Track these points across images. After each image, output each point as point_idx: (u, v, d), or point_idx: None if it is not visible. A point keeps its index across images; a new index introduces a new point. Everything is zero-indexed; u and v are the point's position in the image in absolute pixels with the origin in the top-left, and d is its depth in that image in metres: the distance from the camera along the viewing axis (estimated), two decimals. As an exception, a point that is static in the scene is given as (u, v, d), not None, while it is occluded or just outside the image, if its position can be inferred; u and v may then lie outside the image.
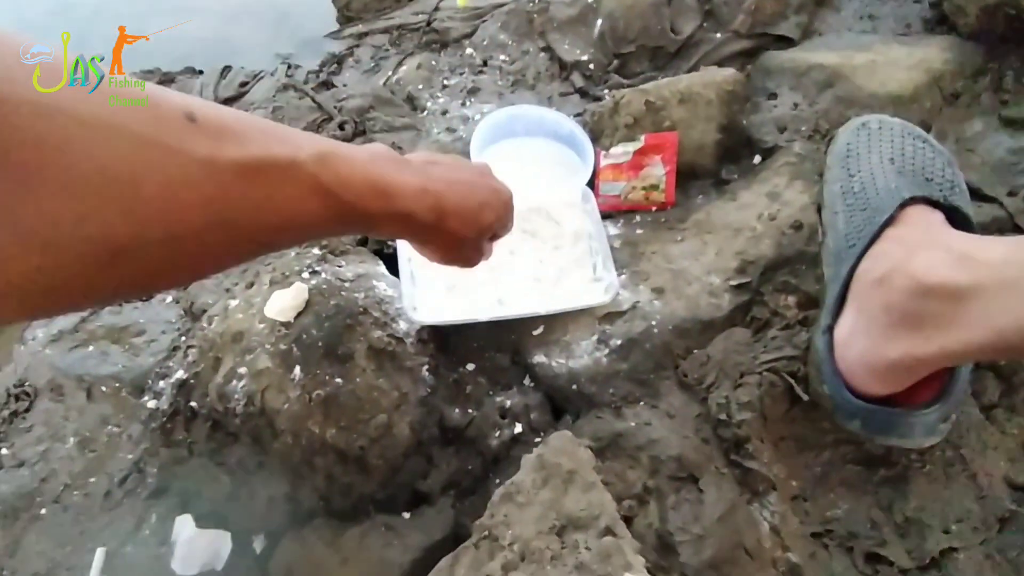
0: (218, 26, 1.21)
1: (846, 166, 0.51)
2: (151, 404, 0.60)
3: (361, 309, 0.55)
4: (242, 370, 0.54)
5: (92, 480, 0.58)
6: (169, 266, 0.26)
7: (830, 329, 0.46)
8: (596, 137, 0.71)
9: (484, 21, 0.94)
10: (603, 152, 0.68)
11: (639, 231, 0.65)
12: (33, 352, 0.67)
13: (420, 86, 0.88)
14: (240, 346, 0.55)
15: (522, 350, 0.58)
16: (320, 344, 0.53)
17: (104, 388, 0.64)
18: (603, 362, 0.55)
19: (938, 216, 0.46)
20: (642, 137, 0.66)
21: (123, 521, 0.55)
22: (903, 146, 0.50)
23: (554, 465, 0.44)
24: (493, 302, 0.59)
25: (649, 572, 0.39)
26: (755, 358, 0.51)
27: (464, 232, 0.40)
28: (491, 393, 0.57)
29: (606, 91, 0.79)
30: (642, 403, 0.53)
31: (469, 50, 0.91)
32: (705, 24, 0.80)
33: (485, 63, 0.89)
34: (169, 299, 0.70)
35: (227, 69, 1.00)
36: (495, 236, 0.46)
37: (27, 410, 0.64)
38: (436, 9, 1.00)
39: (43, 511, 0.57)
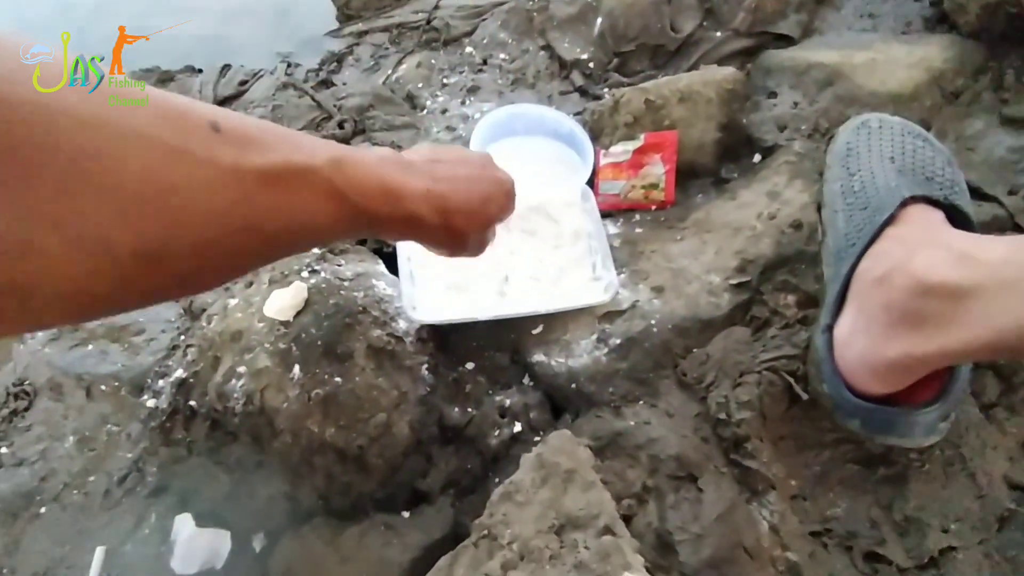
0: (217, 24, 1.21)
1: (846, 165, 0.51)
2: (150, 403, 0.60)
3: (360, 308, 0.55)
4: (241, 369, 0.54)
5: (91, 479, 0.58)
6: (199, 270, 0.28)
7: (830, 328, 0.46)
8: (596, 136, 0.71)
9: (484, 19, 0.94)
10: (603, 151, 0.68)
11: (639, 230, 0.65)
12: (32, 351, 0.67)
13: (420, 85, 0.87)
14: (239, 345, 0.55)
15: (522, 349, 0.58)
16: (319, 343, 0.53)
17: (103, 387, 0.64)
18: (602, 361, 0.55)
19: (938, 215, 0.46)
20: (642, 136, 0.66)
21: (123, 520, 0.55)
22: (903, 145, 0.50)
23: (553, 464, 0.44)
24: (492, 301, 0.59)
25: (648, 571, 0.39)
26: (755, 357, 0.51)
27: (469, 228, 0.41)
28: (490, 392, 0.57)
29: (606, 90, 0.79)
30: (641, 402, 0.53)
31: (469, 48, 0.91)
32: (705, 23, 0.80)
33: (485, 61, 0.89)
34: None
35: (226, 68, 1.00)
36: (498, 220, 0.47)
37: (26, 409, 0.64)
38: (436, 7, 0.99)
39: (43, 510, 0.57)
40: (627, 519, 0.46)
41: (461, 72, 0.88)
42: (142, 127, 0.24)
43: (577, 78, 0.83)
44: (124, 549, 0.54)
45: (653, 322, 0.56)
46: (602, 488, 0.43)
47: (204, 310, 0.61)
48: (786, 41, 0.77)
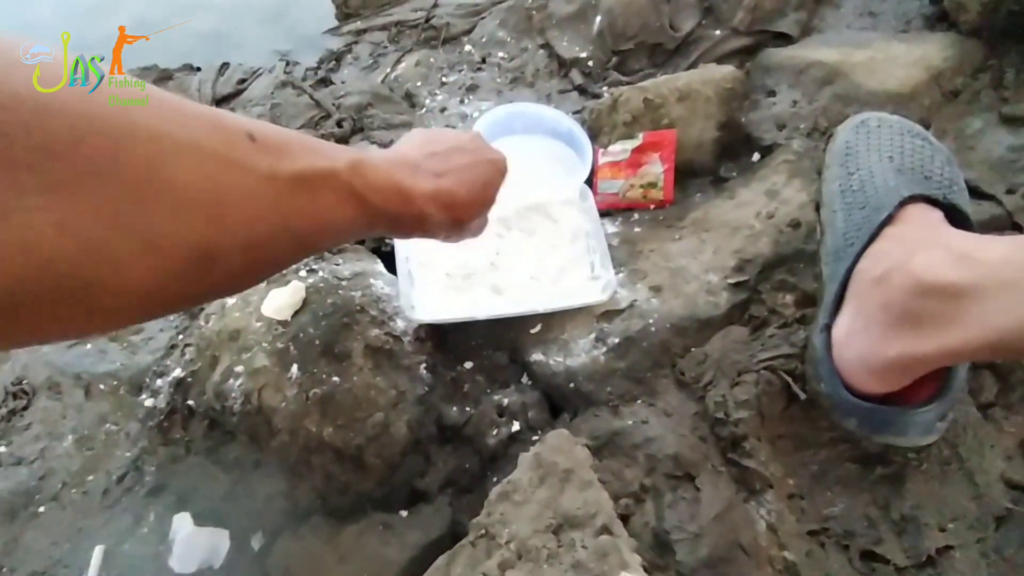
0: (216, 23, 1.21)
1: (845, 164, 0.51)
2: (149, 402, 0.60)
3: (358, 307, 0.55)
4: (239, 368, 0.54)
5: (90, 478, 0.58)
6: (244, 271, 0.30)
7: (828, 328, 0.46)
8: (595, 135, 0.71)
9: (483, 18, 0.94)
10: (601, 150, 0.67)
11: (637, 229, 0.65)
12: (31, 349, 0.67)
13: (418, 83, 0.87)
14: (237, 344, 0.55)
15: (520, 348, 0.58)
16: (317, 342, 0.53)
17: (102, 386, 0.64)
18: (601, 360, 0.55)
19: (937, 214, 0.46)
20: (641, 135, 0.66)
21: (121, 519, 0.55)
22: (902, 144, 0.50)
23: (551, 463, 0.44)
24: (491, 300, 0.59)
25: (645, 570, 0.39)
26: (753, 356, 0.51)
27: (473, 215, 0.44)
28: (489, 391, 0.57)
29: (605, 88, 0.79)
30: (639, 401, 0.53)
31: (468, 47, 0.91)
32: (704, 21, 0.80)
33: (484, 60, 0.89)
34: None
35: (225, 66, 1.00)
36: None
37: (25, 408, 0.64)
38: (435, 6, 0.99)
39: (41, 509, 0.57)
40: (625, 518, 0.46)
41: (460, 71, 0.88)
42: (197, 139, 0.26)
43: (576, 77, 0.83)
44: (123, 548, 0.54)
45: (651, 321, 0.56)
46: (600, 487, 0.43)
47: (202, 309, 0.61)
48: (785, 40, 0.76)
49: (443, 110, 0.82)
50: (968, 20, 0.67)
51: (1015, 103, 0.61)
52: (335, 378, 0.52)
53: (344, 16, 1.09)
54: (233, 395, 0.53)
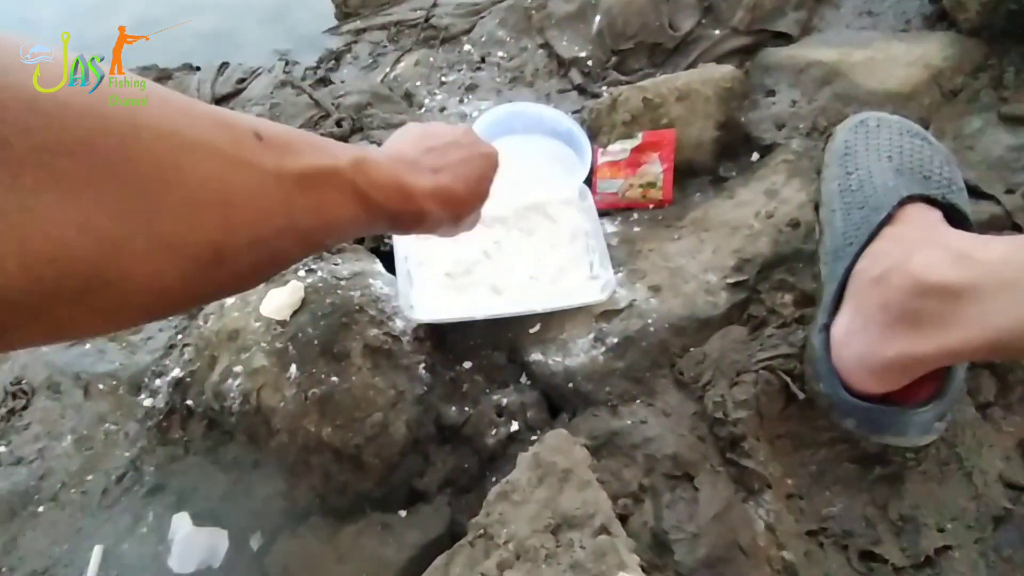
0: (216, 23, 1.21)
1: (844, 164, 0.51)
2: (148, 402, 0.60)
3: (357, 307, 0.55)
4: (238, 368, 0.54)
5: (89, 478, 0.58)
6: (252, 268, 0.30)
7: (827, 327, 0.46)
8: (594, 134, 0.71)
9: (482, 17, 0.94)
10: (601, 149, 0.67)
11: (636, 229, 0.65)
12: (30, 349, 0.67)
13: (418, 83, 0.87)
14: (236, 344, 0.55)
15: (519, 348, 0.58)
16: (316, 342, 0.53)
17: (101, 386, 0.64)
18: (599, 360, 0.55)
19: (936, 214, 0.46)
20: (640, 134, 0.66)
21: (120, 519, 0.55)
22: (901, 144, 0.50)
23: (550, 463, 0.44)
24: (490, 300, 0.59)
25: (644, 571, 0.39)
26: (751, 356, 0.51)
27: (470, 209, 0.44)
28: (488, 391, 0.57)
29: (604, 88, 0.79)
30: (638, 401, 0.53)
31: (467, 46, 0.91)
32: (704, 21, 0.80)
33: (483, 60, 0.88)
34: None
35: (224, 65, 1.00)
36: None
37: (24, 408, 0.64)
38: (434, 5, 0.99)
39: (41, 509, 0.57)
40: (623, 518, 0.46)
41: (459, 70, 0.88)
42: (205, 138, 0.26)
43: (575, 76, 0.82)
44: (122, 548, 0.54)
45: (650, 321, 0.56)
46: (598, 487, 0.43)
47: (201, 309, 0.61)
48: (785, 39, 0.76)
49: (442, 109, 0.82)
50: (968, 19, 0.67)
51: (1015, 103, 0.61)
52: (334, 378, 0.52)
53: (343, 16, 1.09)
54: (232, 395, 0.53)
